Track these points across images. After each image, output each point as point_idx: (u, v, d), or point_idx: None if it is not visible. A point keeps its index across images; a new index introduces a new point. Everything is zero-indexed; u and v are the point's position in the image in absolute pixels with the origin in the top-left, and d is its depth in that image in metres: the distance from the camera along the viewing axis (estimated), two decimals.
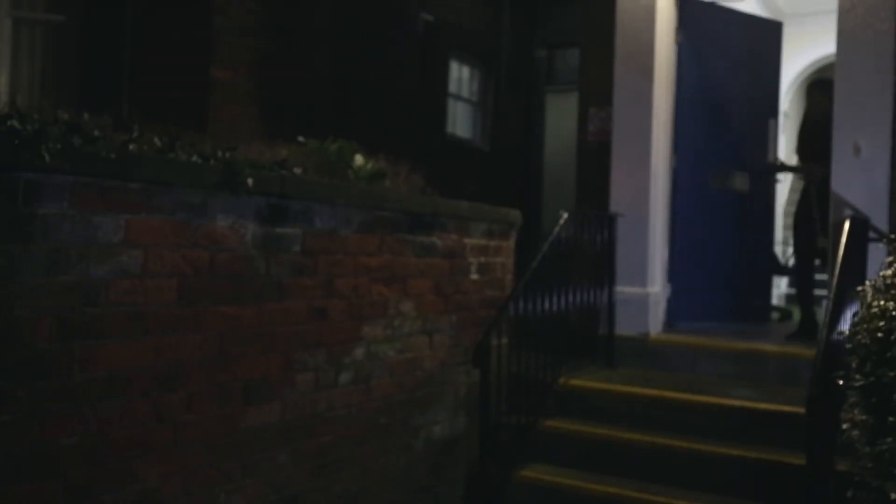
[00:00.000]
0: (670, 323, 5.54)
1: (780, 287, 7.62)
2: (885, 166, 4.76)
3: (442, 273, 4.40)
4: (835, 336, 3.42)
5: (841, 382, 2.97)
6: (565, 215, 4.84)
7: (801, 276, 5.46)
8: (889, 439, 2.65)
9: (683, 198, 5.62)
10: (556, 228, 4.75)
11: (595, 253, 5.17)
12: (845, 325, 3.46)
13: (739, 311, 5.55)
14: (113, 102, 5.14)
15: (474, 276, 4.68)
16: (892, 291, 2.92)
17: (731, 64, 5.62)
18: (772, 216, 5.97)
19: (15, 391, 2.46)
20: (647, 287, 5.44)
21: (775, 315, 6.32)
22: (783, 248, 7.69)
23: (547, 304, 4.62)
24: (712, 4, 5.83)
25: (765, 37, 5.86)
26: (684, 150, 5.62)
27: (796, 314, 5.58)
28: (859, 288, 3.16)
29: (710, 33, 5.62)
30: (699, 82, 5.62)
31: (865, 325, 2.88)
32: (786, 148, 7.06)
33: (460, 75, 9.52)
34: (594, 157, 5.81)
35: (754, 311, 5.79)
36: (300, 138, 4.49)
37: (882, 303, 2.86)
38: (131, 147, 2.84)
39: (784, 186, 7.52)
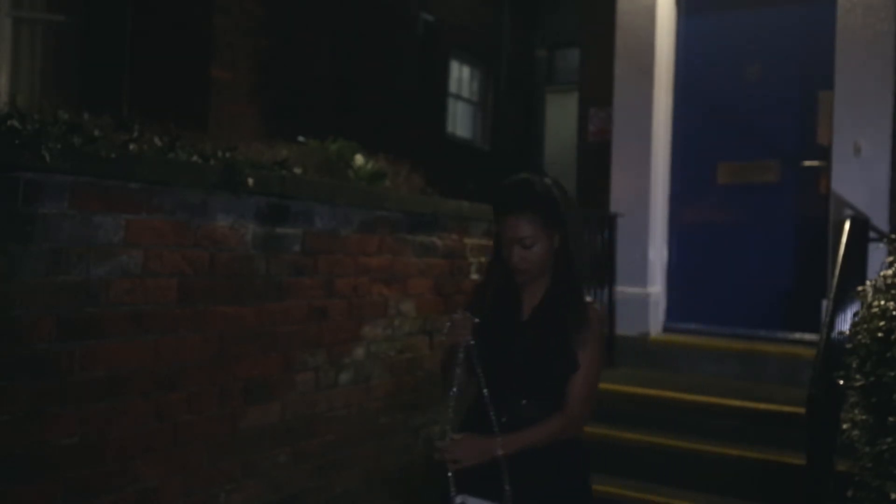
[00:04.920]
0: (670, 323, 5.54)
1: None
2: (885, 166, 4.77)
3: (442, 273, 4.40)
4: (835, 336, 3.42)
5: (841, 382, 2.97)
6: None
7: None
8: (889, 439, 2.66)
9: (684, 196, 5.62)
10: None
11: (595, 253, 5.17)
12: (845, 325, 3.46)
13: (749, 314, 5.43)
14: (113, 102, 5.14)
15: (474, 276, 4.68)
16: (893, 291, 2.92)
17: (754, 42, 5.44)
18: (812, 207, 5.17)
19: (15, 391, 2.46)
20: (648, 287, 5.44)
21: None
22: None
23: None
24: None
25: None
26: (685, 148, 5.62)
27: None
28: (859, 288, 3.17)
29: (720, 16, 5.55)
30: (704, 75, 5.61)
31: (866, 325, 2.88)
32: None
33: (460, 75, 9.53)
34: (594, 157, 5.81)
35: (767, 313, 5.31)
36: (300, 138, 4.49)
37: (882, 303, 2.87)
38: (131, 147, 2.84)
39: None
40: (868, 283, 3.16)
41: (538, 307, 2.39)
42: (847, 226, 4.02)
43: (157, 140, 2.99)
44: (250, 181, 3.16)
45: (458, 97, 9.47)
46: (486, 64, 9.80)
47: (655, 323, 5.45)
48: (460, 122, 9.57)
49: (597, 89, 5.80)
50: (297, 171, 3.60)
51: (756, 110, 5.41)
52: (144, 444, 2.88)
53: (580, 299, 2.38)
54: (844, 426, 2.94)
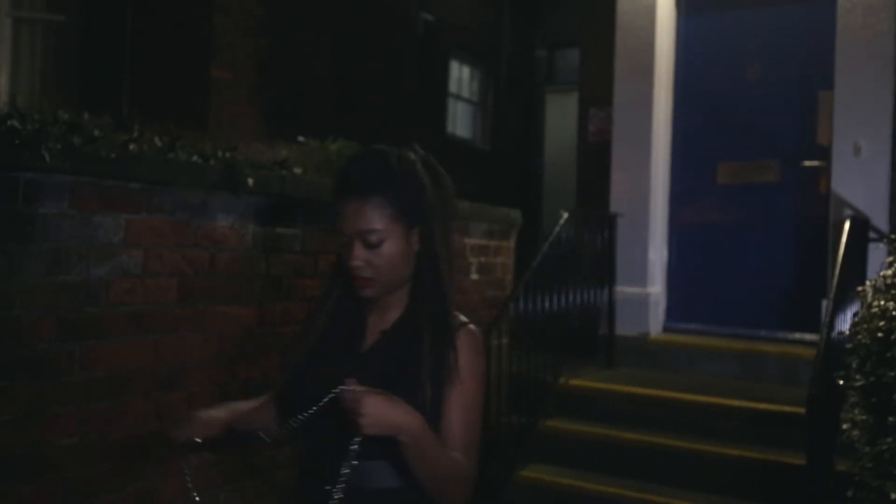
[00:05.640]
0: (670, 323, 5.54)
1: None
2: (885, 166, 4.76)
3: None
4: (835, 336, 3.42)
5: (841, 382, 2.97)
6: (565, 215, 4.84)
7: None
8: (889, 439, 2.66)
9: (684, 196, 5.62)
10: (557, 228, 4.75)
11: (595, 253, 5.18)
12: (845, 325, 3.46)
13: (749, 314, 5.43)
14: (113, 102, 5.14)
15: (474, 276, 4.68)
16: (893, 291, 2.93)
17: (754, 42, 5.45)
18: (812, 207, 5.15)
19: (15, 391, 2.46)
20: (647, 287, 5.44)
21: None
22: None
23: (547, 304, 4.62)
24: None
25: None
26: (685, 148, 5.62)
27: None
28: (859, 288, 3.17)
29: (720, 16, 5.56)
30: (704, 75, 5.60)
31: (866, 325, 2.88)
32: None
33: (460, 75, 9.53)
34: (594, 157, 5.81)
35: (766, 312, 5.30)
36: (300, 138, 4.49)
37: (882, 303, 2.87)
38: (131, 147, 2.84)
39: None
40: (868, 283, 3.17)
41: (388, 332, 1.70)
42: (847, 226, 4.02)
43: (157, 140, 2.99)
44: (250, 181, 3.16)
45: (458, 97, 9.47)
46: (486, 64, 9.80)
47: (655, 323, 5.45)
48: (460, 122, 9.56)
49: (597, 89, 5.80)
50: (297, 170, 3.60)
51: (756, 110, 5.41)
52: (144, 444, 2.88)
53: (445, 320, 1.68)
54: (844, 426, 2.95)
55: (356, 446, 1.49)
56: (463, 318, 1.73)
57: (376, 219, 1.63)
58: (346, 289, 1.72)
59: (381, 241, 1.64)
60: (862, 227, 4.33)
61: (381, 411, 1.47)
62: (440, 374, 1.62)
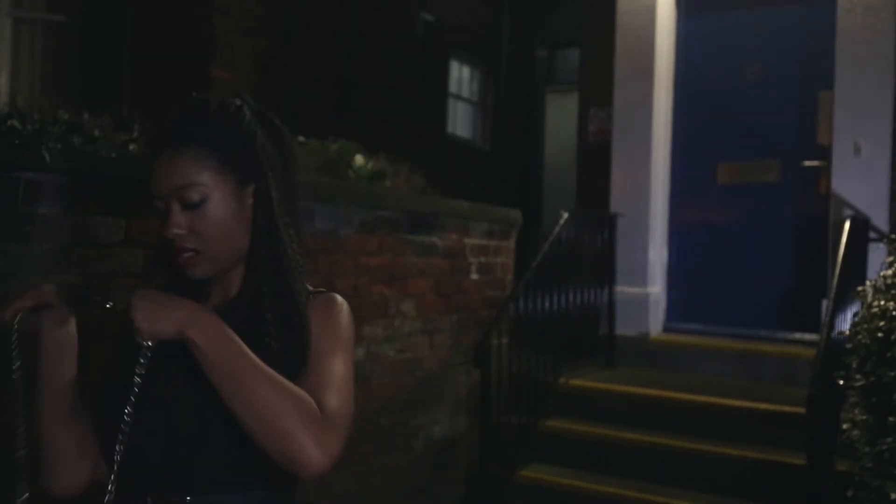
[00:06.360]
0: (670, 323, 5.54)
1: None
2: (885, 166, 4.77)
3: (442, 273, 4.40)
4: (835, 336, 3.42)
5: (841, 382, 2.98)
6: (565, 215, 4.84)
7: None
8: (889, 439, 2.66)
9: (684, 196, 5.62)
10: (557, 228, 4.75)
11: (595, 253, 5.18)
12: (845, 325, 3.46)
13: (749, 314, 5.44)
14: (113, 102, 5.13)
15: (474, 276, 4.68)
16: (893, 291, 2.93)
17: (754, 42, 5.45)
18: (812, 207, 5.14)
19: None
20: (648, 287, 5.44)
21: None
22: None
23: (547, 304, 4.63)
24: None
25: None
26: (685, 148, 5.63)
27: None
28: (859, 288, 3.17)
29: (720, 16, 5.57)
30: (704, 75, 5.61)
31: (866, 325, 2.89)
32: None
33: (460, 75, 9.53)
34: (594, 157, 5.81)
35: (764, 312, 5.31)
36: (300, 138, 4.49)
37: (882, 303, 2.87)
38: (131, 147, 2.84)
39: None
40: (868, 283, 3.17)
41: (219, 311, 1.32)
42: (847, 226, 4.03)
43: None
44: None
45: (458, 97, 9.47)
46: (486, 64, 9.80)
47: (655, 323, 5.46)
48: (460, 122, 9.56)
49: (597, 89, 5.81)
50: None
51: (756, 110, 5.41)
52: None
53: (289, 293, 1.35)
54: (844, 426, 2.95)
55: (147, 352, 1.26)
56: (321, 290, 1.44)
57: (194, 171, 1.31)
58: (173, 275, 1.40)
59: (203, 198, 1.32)
60: (862, 227, 4.34)
61: (155, 303, 1.23)
62: (288, 357, 1.30)
